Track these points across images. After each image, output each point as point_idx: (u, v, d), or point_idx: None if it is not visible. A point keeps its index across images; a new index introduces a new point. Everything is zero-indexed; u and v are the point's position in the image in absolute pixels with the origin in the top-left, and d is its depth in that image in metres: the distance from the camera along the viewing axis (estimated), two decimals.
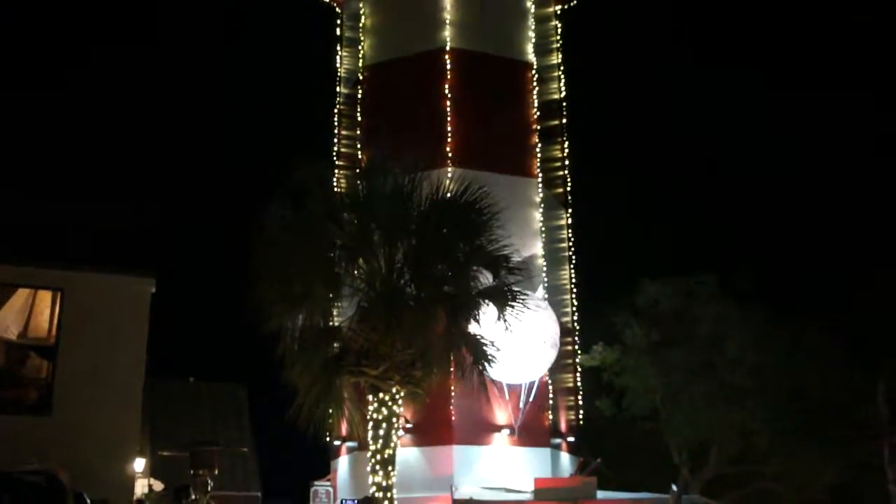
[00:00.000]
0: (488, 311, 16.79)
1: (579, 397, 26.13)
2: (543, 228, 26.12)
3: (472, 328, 16.55)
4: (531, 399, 23.85)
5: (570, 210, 27.03)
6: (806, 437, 31.53)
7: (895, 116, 45.96)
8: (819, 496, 32.51)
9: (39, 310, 20.45)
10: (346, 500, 18.54)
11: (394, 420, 16.32)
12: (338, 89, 27.60)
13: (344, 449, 24.59)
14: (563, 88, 27.64)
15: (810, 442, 31.51)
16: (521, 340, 21.63)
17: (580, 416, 25.94)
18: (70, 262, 20.62)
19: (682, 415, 33.18)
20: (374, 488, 15.88)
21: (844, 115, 48.62)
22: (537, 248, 25.72)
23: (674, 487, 19.48)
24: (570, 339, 26.18)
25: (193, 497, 12.28)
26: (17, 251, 20.45)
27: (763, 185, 50.94)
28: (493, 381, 18.36)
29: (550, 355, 22.79)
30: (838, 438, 30.98)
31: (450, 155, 24.89)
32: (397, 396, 16.37)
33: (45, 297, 20.43)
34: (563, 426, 25.19)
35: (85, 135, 58.12)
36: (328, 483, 23.53)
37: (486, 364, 16.90)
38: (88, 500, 11.88)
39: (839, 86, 50.85)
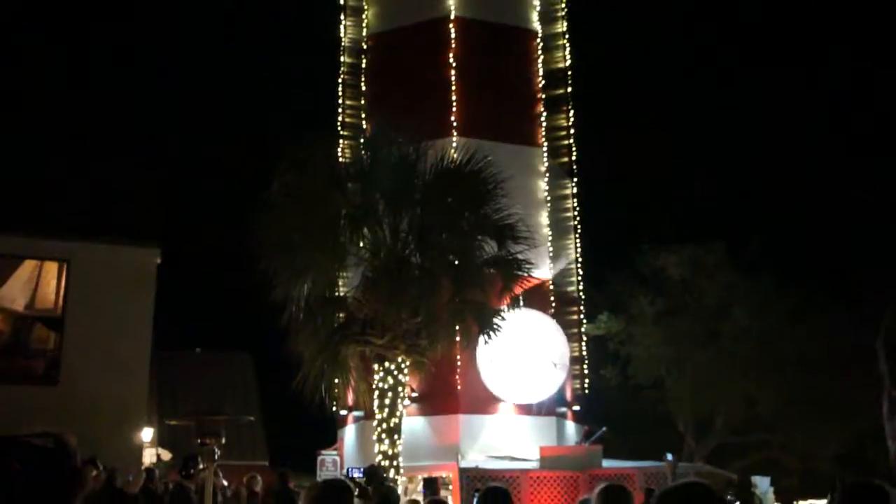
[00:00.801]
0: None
1: (585, 366, 26.17)
2: (549, 198, 26.05)
3: (477, 296, 16.54)
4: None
5: (575, 179, 26.95)
6: (811, 407, 31.59)
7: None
8: (823, 465, 32.64)
9: (46, 281, 20.53)
10: (351, 469, 18.61)
11: (399, 389, 16.36)
12: (342, 59, 27.45)
13: (350, 418, 24.67)
14: (568, 57, 27.46)
15: (815, 411, 31.57)
16: (533, 362, 21.85)
17: (586, 385, 25.99)
18: (76, 234, 20.69)
19: (688, 384, 33.24)
20: (380, 457, 15.94)
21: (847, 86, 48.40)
22: (542, 218, 25.66)
23: (669, 457, 19.52)
24: (575, 308, 26.21)
25: (202, 466, 12.33)
26: (23, 223, 20.50)
27: (769, 155, 50.76)
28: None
29: (559, 377, 22.81)
30: (843, 407, 31.03)
31: (454, 124, 24.79)
32: (403, 366, 16.40)
33: (51, 268, 20.52)
34: (568, 395, 25.24)
35: (88, 106, 58.01)
36: (335, 452, 23.62)
37: (490, 333, 16.95)
38: (101, 465, 11.96)
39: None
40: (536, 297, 24.01)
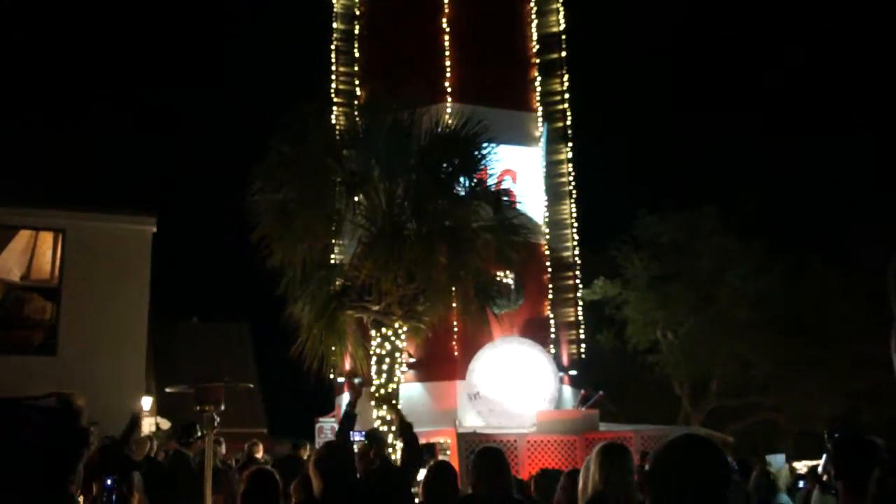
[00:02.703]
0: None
1: (581, 331, 26.26)
2: (544, 163, 26.00)
3: (474, 262, 16.55)
4: None
5: (570, 144, 26.88)
6: (806, 368, 31.78)
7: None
8: (819, 427, 32.88)
9: (42, 251, 20.53)
10: (353, 433, 18.73)
11: (397, 355, 16.40)
12: (334, 25, 27.26)
13: (348, 385, 24.71)
14: (562, 21, 27.30)
15: (810, 373, 31.76)
16: (524, 398, 21.98)
17: (582, 350, 26.08)
18: (71, 203, 20.63)
19: (683, 348, 33.39)
20: (378, 422, 16.01)
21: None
22: (538, 182, 25.63)
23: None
24: (571, 273, 26.24)
25: (199, 434, 12.39)
26: (18, 193, 20.45)
27: (763, 118, 50.71)
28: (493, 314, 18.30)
29: (547, 408, 22.86)
30: (838, 368, 31.22)
31: (449, 90, 24.70)
32: (400, 331, 16.43)
33: (46, 238, 20.50)
34: (564, 360, 25.34)
35: (84, 75, 57.71)
36: (333, 419, 23.70)
37: (488, 299, 17.01)
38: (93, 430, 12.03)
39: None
40: (535, 325, 24.23)
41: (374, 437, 11.07)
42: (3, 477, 2.31)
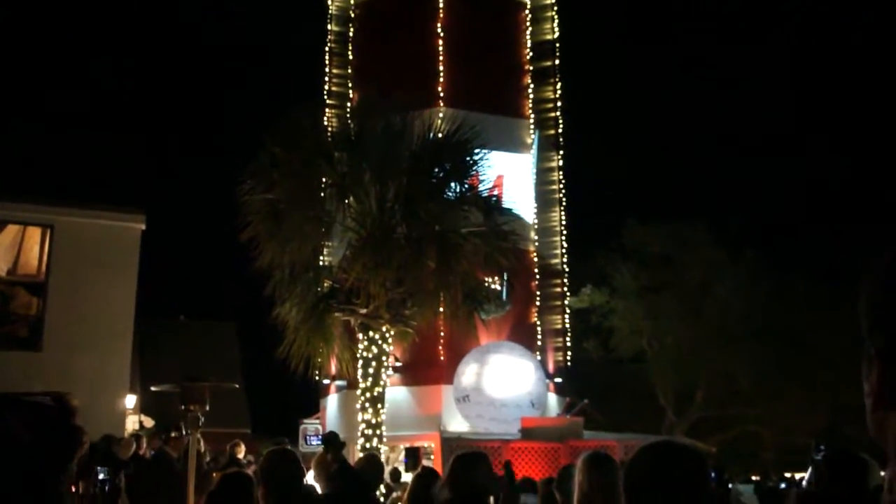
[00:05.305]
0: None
1: (567, 339, 26.29)
2: (535, 170, 26.05)
3: (463, 267, 16.53)
4: None
5: (561, 151, 26.94)
6: (790, 381, 31.87)
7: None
8: (801, 439, 32.94)
9: (29, 246, 20.42)
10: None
11: (383, 359, 16.37)
12: (328, 27, 27.28)
13: (333, 387, 24.72)
14: (556, 29, 27.37)
15: (795, 386, 31.85)
16: (513, 402, 22.13)
17: (568, 358, 26.12)
18: (60, 199, 20.56)
19: (669, 357, 33.45)
20: (363, 426, 15.99)
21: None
22: (529, 190, 25.67)
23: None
24: (559, 280, 26.28)
25: (175, 434, 12.34)
26: (6, 187, 20.37)
27: (754, 130, 50.91)
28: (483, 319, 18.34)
29: (535, 414, 22.94)
30: (822, 382, 31.30)
31: (441, 95, 24.72)
32: (387, 335, 16.40)
33: (34, 233, 20.41)
34: (550, 367, 25.38)
35: (77, 72, 57.55)
36: (317, 421, 23.68)
37: (475, 304, 17.00)
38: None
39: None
40: (521, 331, 24.32)
41: (330, 441, 10.99)
42: None
